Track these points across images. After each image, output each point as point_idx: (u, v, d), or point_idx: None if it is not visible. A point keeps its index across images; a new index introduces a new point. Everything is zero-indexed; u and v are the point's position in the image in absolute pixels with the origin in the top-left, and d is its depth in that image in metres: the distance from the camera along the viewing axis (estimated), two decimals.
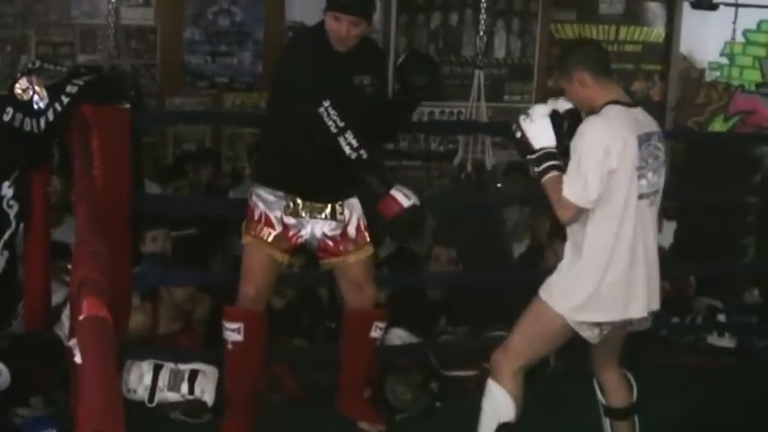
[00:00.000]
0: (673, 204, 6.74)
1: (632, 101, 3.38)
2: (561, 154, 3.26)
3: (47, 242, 4.00)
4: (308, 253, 4.13)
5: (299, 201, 3.72)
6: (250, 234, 3.73)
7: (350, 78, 3.64)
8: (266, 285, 3.77)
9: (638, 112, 3.32)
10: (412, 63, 3.77)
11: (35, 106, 3.63)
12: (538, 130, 3.29)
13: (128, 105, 3.74)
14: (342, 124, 3.44)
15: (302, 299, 4.84)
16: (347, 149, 3.44)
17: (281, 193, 3.71)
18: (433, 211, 5.62)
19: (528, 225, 6.13)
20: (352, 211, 3.81)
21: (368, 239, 3.88)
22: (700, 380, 4.82)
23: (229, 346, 3.75)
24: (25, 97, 3.63)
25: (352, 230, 3.81)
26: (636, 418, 3.66)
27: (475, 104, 6.01)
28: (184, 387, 3.92)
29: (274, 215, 3.71)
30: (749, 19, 8.22)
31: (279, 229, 3.71)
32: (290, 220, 3.73)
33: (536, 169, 3.28)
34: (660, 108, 8.14)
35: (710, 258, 5.55)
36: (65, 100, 3.63)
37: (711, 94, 8.44)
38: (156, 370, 3.98)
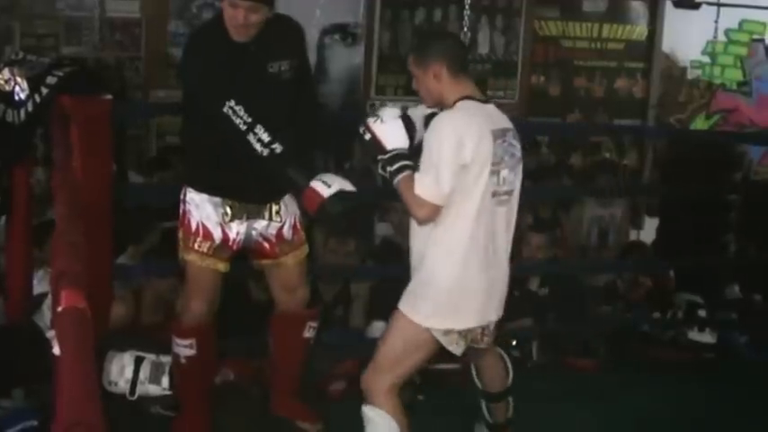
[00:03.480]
0: (655, 201, 6.80)
1: (485, 97, 3.28)
2: (413, 156, 3.15)
3: (28, 234, 4.00)
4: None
5: (236, 204, 3.53)
6: (191, 248, 3.55)
7: (264, 68, 3.40)
8: (215, 297, 3.64)
9: (492, 108, 3.23)
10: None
11: (16, 97, 3.62)
12: (389, 131, 3.16)
13: (109, 96, 3.72)
14: (249, 120, 3.23)
15: None
16: (258, 146, 3.22)
17: (217, 200, 3.52)
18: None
19: None
20: (288, 209, 3.63)
21: (304, 239, 3.72)
22: (680, 375, 4.85)
23: (182, 360, 3.66)
24: (7, 88, 3.63)
25: (287, 231, 3.64)
26: (510, 398, 3.60)
27: None
28: (165, 380, 3.91)
29: (212, 223, 3.53)
30: (731, 18, 8.27)
31: (218, 238, 3.54)
32: (229, 226, 3.55)
33: (389, 169, 3.12)
34: (642, 105, 8.19)
35: (692, 255, 5.59)
36: (44, 91, 3.62)
37: (693, 93, 8.48)
38: (138, 362, 3.96)
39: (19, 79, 3.62)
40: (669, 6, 7.97)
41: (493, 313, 3.26)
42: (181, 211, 3.60)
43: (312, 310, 3.87)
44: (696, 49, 8.40)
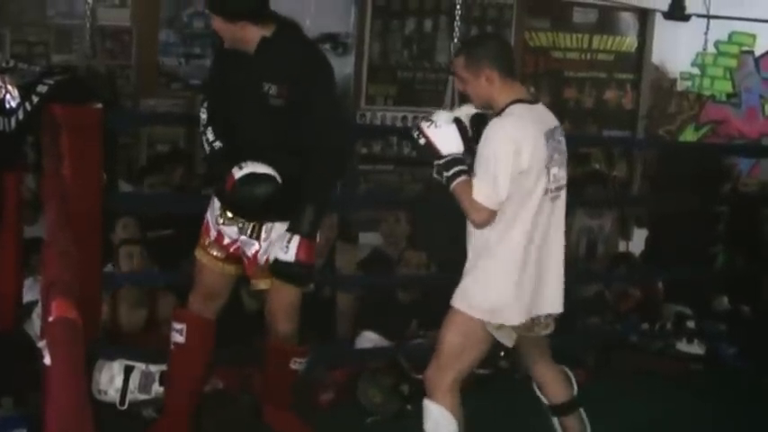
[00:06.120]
0: (644, 212, 6.83)
1: (534, 98, 3.36)
2: (467, 159, 3.23)
3: (19, 241, 4.00)
4: None
5: (226, 211, 3.55)
6: (200, 240, 3.64)
7: (258, 84, 3.37)
8: (211, 293, 3.65)
9: (541, 108, 3.33)
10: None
11: (7, 105, 3.63)
12: (444, 135, 3.23)
13: (99, 105, 3.73)
14: (205, 121, 3.45)
15: None
16: (206, 146, 3.44)
17: (217, 201, 3.58)
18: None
19: None
20: (271, 236, 3.51)
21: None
22: (669, 386, 4.85)
23: (172, 347, 3.68)
24: None
25: (261, 257, 3.52)
26: (582, 410, 3.63)
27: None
28: (154, 389, 3.92)
29: (213, 221, 3.59)
30: (721, 30, 8.30)
31: (213, 235, 3.58)
32: (225, 229, 3.56)
33: (445, 174, 3.20)
34: (632, 116, 8.23)
35: (681, 266, 5.61)
36: (35, 99, 3.62)
37: (683, 104, 8.52)
38: (128, 372, 3.96)
39: (10, 87, 3.63)
40: (659, 18, 8.00)
41: (545, 306, 3.33)
42: None
43: (300, 348, 3.79)
44: (686, 60, 8.44)
